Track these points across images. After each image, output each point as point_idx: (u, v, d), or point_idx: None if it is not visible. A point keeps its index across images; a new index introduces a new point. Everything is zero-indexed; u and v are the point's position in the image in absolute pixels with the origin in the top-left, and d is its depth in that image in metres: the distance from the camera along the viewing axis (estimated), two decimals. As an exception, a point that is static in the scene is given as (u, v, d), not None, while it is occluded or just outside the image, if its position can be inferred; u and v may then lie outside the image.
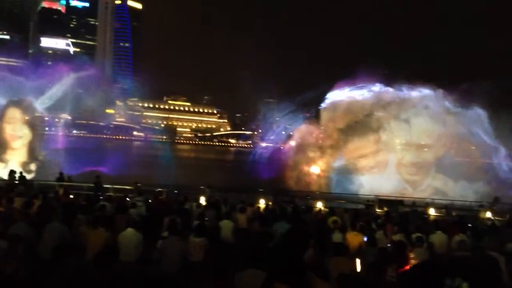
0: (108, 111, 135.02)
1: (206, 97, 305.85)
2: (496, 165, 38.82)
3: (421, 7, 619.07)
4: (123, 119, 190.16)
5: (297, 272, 3.96)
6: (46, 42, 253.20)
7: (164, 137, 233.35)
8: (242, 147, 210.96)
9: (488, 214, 24.66)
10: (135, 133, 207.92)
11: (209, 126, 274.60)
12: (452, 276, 2.81)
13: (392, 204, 26.23)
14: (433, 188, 36.05)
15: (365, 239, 10.06)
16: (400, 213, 20.16)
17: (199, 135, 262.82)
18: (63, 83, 39.93)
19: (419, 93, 40.50)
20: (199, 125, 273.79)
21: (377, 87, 41.67)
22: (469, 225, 15.56)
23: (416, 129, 39.42)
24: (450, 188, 36.16)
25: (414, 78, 42.62)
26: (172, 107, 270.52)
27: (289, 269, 3.93)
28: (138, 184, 23.76)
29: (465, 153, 41.18)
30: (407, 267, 8.97)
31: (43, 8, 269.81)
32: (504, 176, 37.91)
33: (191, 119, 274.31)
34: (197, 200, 20.72)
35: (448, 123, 39.03)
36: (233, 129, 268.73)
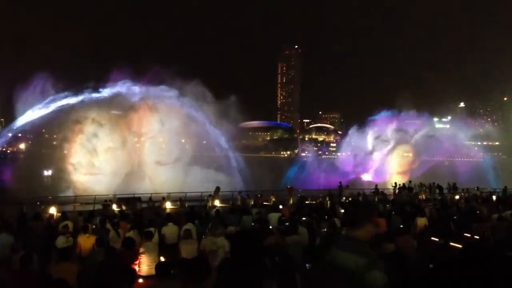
0: None
1: None
2: (221, 156, 43.66)
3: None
4: None
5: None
6: None
7: None
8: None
9: (216, 202, 27.49)
10: None
11: None
12: None
13: (130, 201, 26.59)
14: (170, 183, 37.84)
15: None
16: (136, 210, 20.53)
17: None
18: None
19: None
20: None
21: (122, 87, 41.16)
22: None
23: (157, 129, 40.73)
24: (183, 180, 38.79)
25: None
26: None
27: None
28: None
29: (200, 147, 45.12)
30: (137, 262, 9.33)
31: None
32: (227, 165, 43.04)
33: None
34: None
35: (183, 122, 41.83)
36: None
